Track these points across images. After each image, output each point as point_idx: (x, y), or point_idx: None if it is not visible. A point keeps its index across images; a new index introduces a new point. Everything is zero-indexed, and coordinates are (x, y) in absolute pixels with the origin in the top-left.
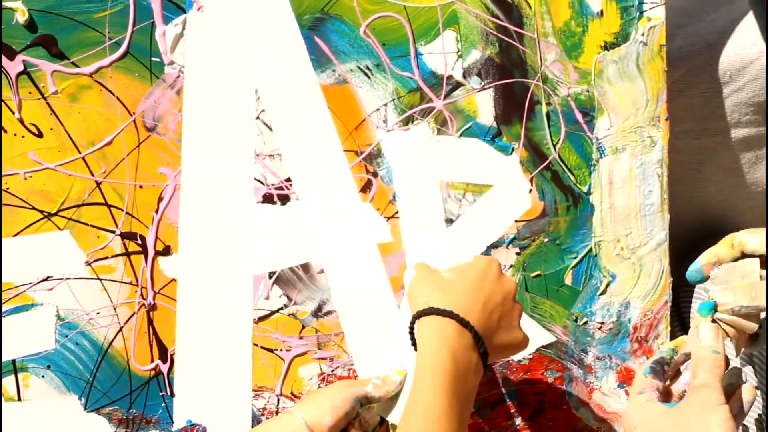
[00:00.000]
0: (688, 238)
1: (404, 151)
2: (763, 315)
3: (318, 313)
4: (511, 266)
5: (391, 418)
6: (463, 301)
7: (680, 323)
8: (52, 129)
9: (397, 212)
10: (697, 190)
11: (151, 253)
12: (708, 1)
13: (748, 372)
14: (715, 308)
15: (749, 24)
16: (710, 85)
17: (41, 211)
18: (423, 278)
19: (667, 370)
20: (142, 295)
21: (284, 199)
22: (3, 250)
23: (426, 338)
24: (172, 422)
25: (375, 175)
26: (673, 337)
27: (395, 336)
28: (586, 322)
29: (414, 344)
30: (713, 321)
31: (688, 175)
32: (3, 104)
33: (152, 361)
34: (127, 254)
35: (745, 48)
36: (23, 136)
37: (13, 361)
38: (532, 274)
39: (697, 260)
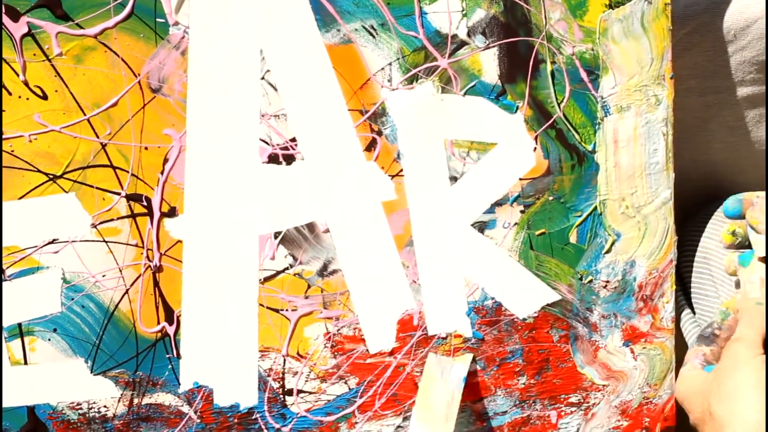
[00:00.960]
0: (692, 197)
1: (409, 109)
2: None
3: (323, 272)
4: (516, 224)
5: None
6: None
7: (680, 283)
8: (56, 91)
9: (401, 170)
10: (701, 148)
11: (156, 214)
12: None
13: None
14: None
15: None
16: (714, 43)
17: (46, 174)
18: None
19: (719, 334)
20: (148, 257)
21: (289, 159)
22: (8, 213)
23: None
24: (179, 384)
25: (380, 133)
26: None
27: None
28: (591, 281)
29: None
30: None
31: (692, 133)
32: (8, 66)
33: (158, 323)
34: (133, 216)
35: (750, 7)
36: (28, 99)
37: (19, 325)
38: (537, 233)
39: (736, 195)
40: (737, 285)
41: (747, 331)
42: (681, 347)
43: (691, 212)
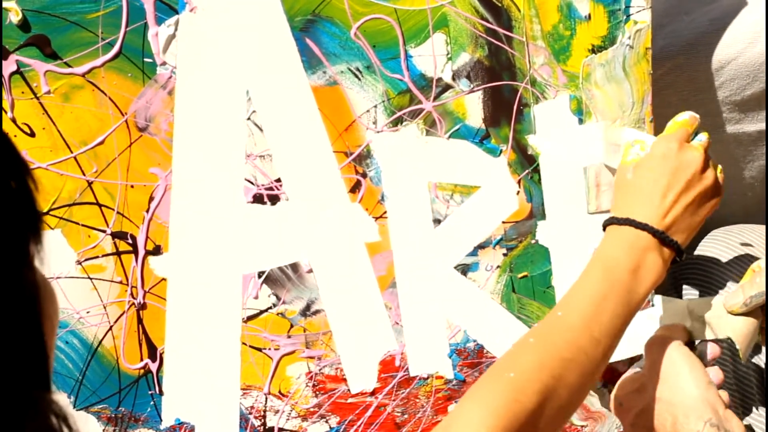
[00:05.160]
0: None
1: (393, 152)
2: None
3: (306, 312)
4: (498, 267)
5: None
6: (636, 203)
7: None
8: (44, 128)
9: (385, 212)
10: None
11: (141, 252)
12: (687, 2)
13: None
14: None
15: (727, 24)
16: (689, 83)
17: None
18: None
19: None
20: (132, 294)
21: (274, 200)
22: None
23: (606, 240)
24: (161, 421)
25: (364, 175)
26: None
27: None
28: None
29: None
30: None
31: None
32: None
33: (141, 359)
34: (118, 254)
35: (724, 48)
36: (15, 136)
37: None
38: (519, 275)
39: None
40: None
41: (666, 329)
42: None
43: None
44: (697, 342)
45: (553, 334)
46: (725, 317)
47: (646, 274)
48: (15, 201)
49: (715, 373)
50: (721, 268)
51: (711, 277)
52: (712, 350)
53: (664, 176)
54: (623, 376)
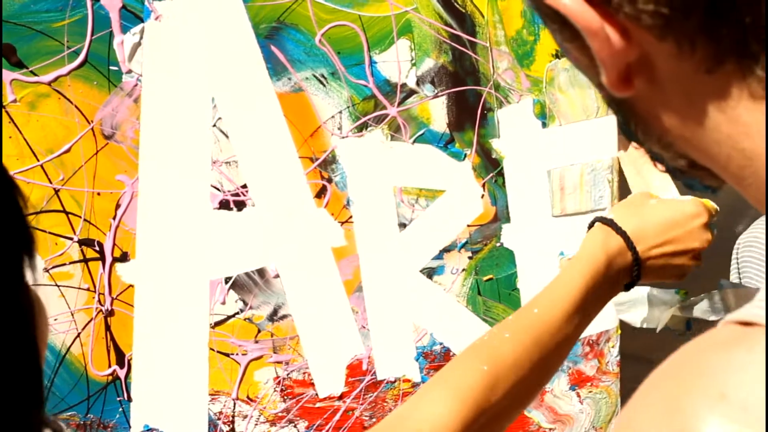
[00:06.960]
0: None
1: (359, 157)
2: None
3: (273, 317)
4: (464, 270)
5: None
6: (641, 227)
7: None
8: (10, 137)
9: (351, 217)
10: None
11: (108, 259)
12: None
13: None
14: None
15: None
16: None
17: None
18: (632, 200)
19: None
20: (99, 301)
21: (240, 206)
22: None
23: (590, 236)
24: (130, 427)
25: (330, 181)
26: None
27: None
28: None
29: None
30: None
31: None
32: None
33: (109, 366)
34: (85, 261)
35: None
36: None
37: None
38: (485, 278)
39: None
40: None
41: None
42: (625, 391)
43: None
44: None
45: (528, 333)
46: None
47: (620, 276)
48: (7, 221)
49: None
50: None
51: None
52: None
53: (677, 229)
54: None
